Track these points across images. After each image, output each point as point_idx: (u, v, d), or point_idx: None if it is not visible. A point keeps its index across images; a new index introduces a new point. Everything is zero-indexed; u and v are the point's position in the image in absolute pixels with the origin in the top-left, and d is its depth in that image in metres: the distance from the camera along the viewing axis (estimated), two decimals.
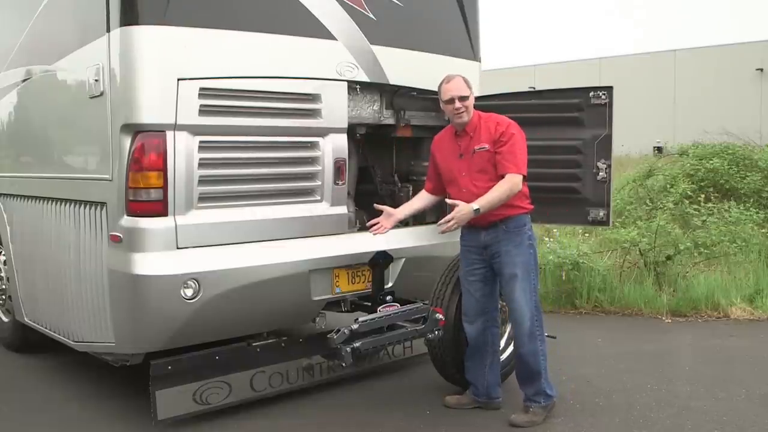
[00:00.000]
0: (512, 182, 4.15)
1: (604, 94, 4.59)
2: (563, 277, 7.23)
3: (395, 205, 5.35)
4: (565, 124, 4.65)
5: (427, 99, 5.14)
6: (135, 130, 3.93)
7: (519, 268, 4.27)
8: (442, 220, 4.20)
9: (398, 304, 4.69)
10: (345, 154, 4.64)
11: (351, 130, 4.74)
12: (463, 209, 4.13)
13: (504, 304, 4.63)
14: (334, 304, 4.81)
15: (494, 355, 4.55)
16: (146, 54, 3.90)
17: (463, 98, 4.29)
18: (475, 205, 4.12)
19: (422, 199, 4.70)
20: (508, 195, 4.16)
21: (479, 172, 4.29)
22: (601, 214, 4.69)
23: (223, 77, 4.11)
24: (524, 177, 4.24)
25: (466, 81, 4.37)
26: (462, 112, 4.29)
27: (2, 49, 5.50)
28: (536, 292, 4.37)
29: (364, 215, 5.19)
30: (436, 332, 4.55)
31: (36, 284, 5.11)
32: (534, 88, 34.48)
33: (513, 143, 4.21)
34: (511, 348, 4.96)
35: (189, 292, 4.02)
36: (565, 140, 4.75)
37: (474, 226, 4.37)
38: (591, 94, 4.51)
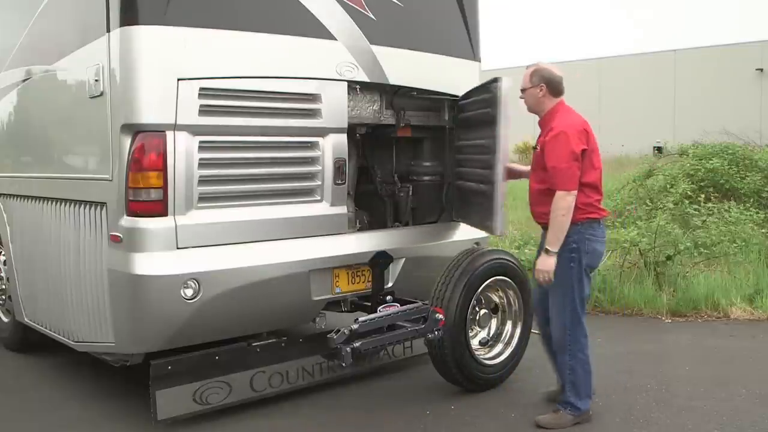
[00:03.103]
0: (555, 202, 4.03)
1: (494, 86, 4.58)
2: None
3: (395, 206, 5.38)
4: (481, 122, 4.69)
5: (427, 99, 5.14)
6: (135, 130, 3.93)
7: (556, 279, 4.13)
8: (536, 276, 4.16)
9: (398, 304, 4.69)
10: (345, 154, 4.64)
11: (351, 130, 4.74)
12: (540, 260, 4.11)
13: None
14: (334, 304, 4.82)
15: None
16: (146, 54, 3.90)
17: (522, 90, 4.32)
18: (545, 247, 4.09)
19: None
20: (560, 215, 4.02)
21: (533, 170, 4.32)
22: (488, 223, 4.68)
23: (223, 77, 4.11)
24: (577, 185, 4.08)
25: (533, 73, 4.26)
26: (529, 102, 4.32)
27: (2, 49, 5.51)
28: (574, 305, 4.20)
29: (364, 215, 5.20)
30: (436, 332, 4.55)
31: (36, 284, 5.11)
32: None
33: (555, 155, 4.05)
34: (509, 350, 4.98)
35: (189, 292, 4.02)
36: (480, 139, 4.76)
37: (538, 223, 4.40)
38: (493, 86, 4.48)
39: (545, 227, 4.23)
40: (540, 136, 4.28)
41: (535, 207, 4.32)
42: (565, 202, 4.01)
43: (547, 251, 4.06)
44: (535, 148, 4.32)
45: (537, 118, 4.34)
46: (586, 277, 4.22)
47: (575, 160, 4.05)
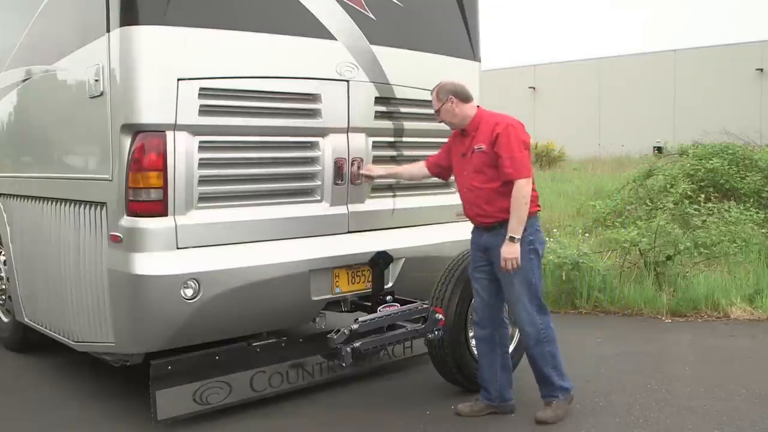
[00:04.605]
0: (518, 190, 4.14)
1: None
2: (563, 277, 7.22)
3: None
4: None
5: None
6: (135, 130, 3.93)
7: (517, 276, 4.23)
8: (503, 265, 4.21)
9: (398, 304, 4.69)
10: (345, 154, 4.64)
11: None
12: (505, 248, 4.16)
13: None
14: (334, 304, 4.81)
15: (504, 356, 4.53)
16: (146, 54, 3.90)
17: (436, 111, 4.44)
18: (509, 235, 4.15)
19: (413, 167, 4.80)
20: (523, 203, 4.14)
21: (476, 172, 4.30)
22: None
23: (223, 77, 4.11)
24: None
25: (438, 91, 4.41)
26: (441, 121, 4.45)
27: (2, 49, 5.51)
28: (538, 296, 4.32)
29: None
30: (436, 332, 4.55)
31: (36, 284, 5.11)
32: (534, 88, 34.55)
33: (510, 146, 4.17)
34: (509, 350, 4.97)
35: (189, 292, 4.02)
36: None
37: (477, 227, 4.41)
38: None
39: (491, 227, 4.28)
40: (472, 140, 4.33)
41: (487, 206, 4.27)
42: (526, 190, 4.16)
43: (512, 239, 4.15)
44: (473, 151, 4.30)
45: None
46: (540, 266, 4.39)
47: (527, 149, 4.25)
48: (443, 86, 4.40)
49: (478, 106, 4.42)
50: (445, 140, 5.26)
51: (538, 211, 4.37)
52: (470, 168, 4.33)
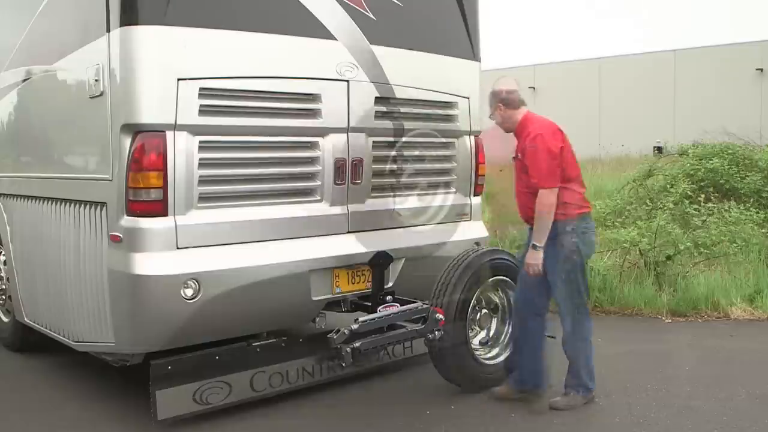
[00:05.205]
0: (539, 200, 4.27)
1: None
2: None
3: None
4: None
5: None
6: (135, 130, 3.93)
7: (559, 276, 4.38)
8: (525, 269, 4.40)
9: (398, 304, 4.69)
10: (345, 154, 4.64)
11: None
12: (528, 256, 4.35)
13: None
14: (334, 304, 4.82)
15: (539, 344, 4.60)
16: (146, 54, 3.91)
17: (490, 116, 4.61)
18: (531, 242, 4.32)
19: None
20: (546, 212, 4.26)
21: (517, 177, 4.51)
22: None
23: (223, 77, 4.12)
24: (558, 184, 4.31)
25: (490, 98, 4.54)
26: (498, 123, 4.58)
27: (2, 49, 5.50)
28: (580, 295, 4.46)
29: None
30: (436, 332, 4.55)
31: (36, 284, 5.11)
32: (534, 88, 34.56)
33: (535, 154, 4.28)
34: (510, 351, 4.96)
35: (189, 292, 4.02)
36: None
37: (527, 222, 4.54)
38: None
39: (530, 226, 4.45)
40: (517, 145, 4.50)
41: (531, 210, 4.40)
42: (548, 200, 4.26)
43: (534, 247, 4.30)
44: (515, 156, 4.50)
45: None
46: (583, 265, 4.51)
47: (554, 158, 4.30)
48: (493, 93, 4.54)
49: (527, 111, 4.50)
50: (445, 140, 5.29)
51: (587, 212, 4.47)
52: (515, 172, 4.53)
